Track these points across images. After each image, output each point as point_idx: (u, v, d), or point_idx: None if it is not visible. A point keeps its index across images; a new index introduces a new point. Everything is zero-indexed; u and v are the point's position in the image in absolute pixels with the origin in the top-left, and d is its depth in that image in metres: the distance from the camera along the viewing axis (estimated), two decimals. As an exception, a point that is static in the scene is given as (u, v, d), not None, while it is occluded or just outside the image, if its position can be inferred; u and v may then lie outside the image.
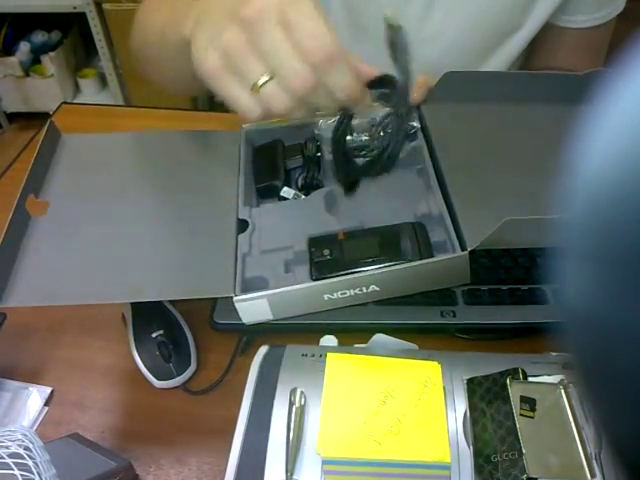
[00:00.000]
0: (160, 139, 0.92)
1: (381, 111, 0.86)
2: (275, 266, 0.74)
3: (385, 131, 0.85)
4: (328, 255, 0.73)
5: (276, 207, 0.82)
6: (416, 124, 0.85)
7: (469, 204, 0.73)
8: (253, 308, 0.69)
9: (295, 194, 0.83)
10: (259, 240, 0.76)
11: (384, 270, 0.69)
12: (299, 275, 0.73)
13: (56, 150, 0.87)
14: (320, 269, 0.72)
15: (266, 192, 0.84)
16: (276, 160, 0.86)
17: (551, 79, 0.88)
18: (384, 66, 0.89)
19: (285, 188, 0.83)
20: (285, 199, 0.83)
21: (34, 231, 0.75)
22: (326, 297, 0.69)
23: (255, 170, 0.86)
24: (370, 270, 0.69)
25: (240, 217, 0.79)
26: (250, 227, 0.77)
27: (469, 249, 0.68)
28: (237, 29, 0.57)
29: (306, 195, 0.82)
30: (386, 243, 0.72)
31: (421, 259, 0.69)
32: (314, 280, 0.71)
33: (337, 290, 0.69)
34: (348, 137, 0.84)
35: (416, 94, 0.86)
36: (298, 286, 0.69)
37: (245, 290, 0.70)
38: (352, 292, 0.69)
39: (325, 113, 0.75)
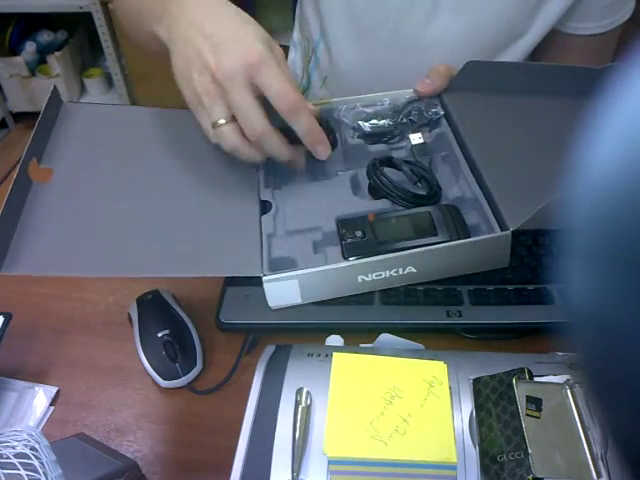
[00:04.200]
0: (170, 116, 0.89)
1: (403, 98, 0.86)
2: (303, 247, 0.72)
3: (407, 118, 0.85)
4: (360, 236, 0.71)
5: (300, 189, 0.80)
6: (440, 111, 0.85)
7: (505, 186, 0.72)
8: (282, 290, 0.68)
9: None
10: (284, 221, 0.75)
11: (423, 250, 0.67)
12: (330, 256, 0.71)
13: (58, 118, 0.84)
14: (353, 249, 0.70)
15: None
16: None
17: (570, 71, 0.88)
18: (388, 70, 0.89)
19: None
20: None
21: (38, 198, 0.73)
22: (360, 279, 0.68)
23: None
24: (408, 250, 0.68)
25: (262, 199, 0.77)
26: (273, 208, 0.76)
27: (512, 229, 0.67)
28: (208, 80, 0.69)
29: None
30: (420, 224, 0.71)
31: (458, 239, 0.69)
32: (347, 260, 0.69)
33: (372, 271, 0.68)
34: (369, 123, 0.83)
35: (438, 82, 0.86)
36: (331, 266, 0.67)
37: (273, 270, 0.68)
38: (387, 274, 0.68)
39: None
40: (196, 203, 0.77)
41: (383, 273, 0.68)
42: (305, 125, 0.72)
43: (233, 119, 0.70)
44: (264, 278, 0.67)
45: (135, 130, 0.87)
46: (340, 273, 0.68)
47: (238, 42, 0.69)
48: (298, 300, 0.69)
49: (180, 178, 0.80)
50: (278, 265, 0.70)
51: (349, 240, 0.71)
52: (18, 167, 0.72)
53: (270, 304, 0.69)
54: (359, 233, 0.71)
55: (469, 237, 0.69)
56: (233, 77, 0.67)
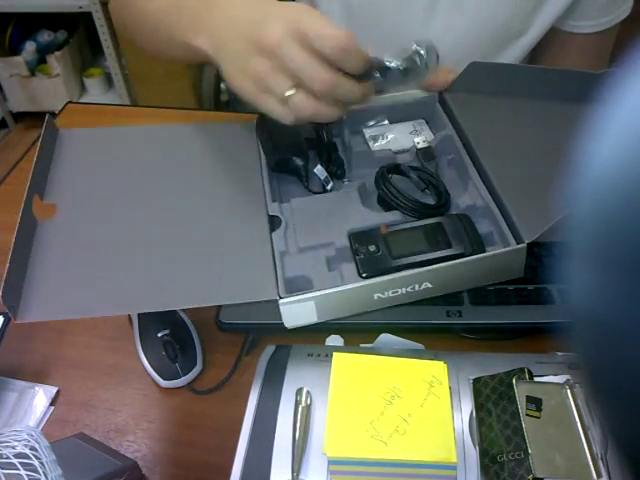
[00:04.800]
0: (165, 132, 0.89)
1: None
2: (317, 264, 0.70)
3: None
4: (374, 251, 0.70)
5: (308, 202, 0.78)
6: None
7: (516, 193, 0.71)
8: (298, 311, 0.66)
9: (327, 177, 0.79)
10: (295, 237, 0.73)
11: (439, 266, 0.66)
12: (345, 273, 0.70)
13: (56, 147, 0.83)
14: (368, 266, 0.69)
15: (283, 167, 0.81)
16: (296, 136, 0.82)
17: (573, 76, 0.87)
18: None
19: (318, 166, 0.79)
20: (315, 176, 0.79)
21: (44, 237, 0.71)
22: (376, 296, 0.67)
23: (270, 141, 0.83)
24: (423, 266, 0.67)
25: (270, 214, 0.76)
26: (283, 224, 0.74)
27: (527, 241, 0.66)
28: (262, 58, 0.67)
29: (331, 177, 0.80)
30: (433, 236, 0.70)
31: (473, 252, 0.68)
32: (363, 277, 0.68)
33: (388, 289, 0.66)
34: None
35: (441, 79, 0.86)
36: (347, 286, 0.66)
37: (288, 291, 0.67)
38: (404, 290, 0.67)
39: (355, 106, 0.74)
40: (204, 226, 0.75)
41: (399, 290, 0.67)
42: (363, 60, 0.69)
43: (300, 86, 0.68)
44: (280, 301, 0.65)
45: (133, 151, 0.86)
46: (356, 292, 0.67)
47: (279, 9, 0.69)
48: (314, 319, 0.68)
49: (184, 199, 0.79)
50: (293, 285, 0.68)
51: (363, 256, 0.70)
52: (22, 207, 0.70)
53: (286, 325, 0.68)
54: (372, 248, 0.70)
55: (483, 247, 0.69)
56: (282, 41, 0.66)
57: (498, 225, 0.70)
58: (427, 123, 0.87)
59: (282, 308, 0.65)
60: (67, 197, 0.77)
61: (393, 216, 0.75)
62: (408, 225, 0.73)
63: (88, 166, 0.82)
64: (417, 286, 0.67)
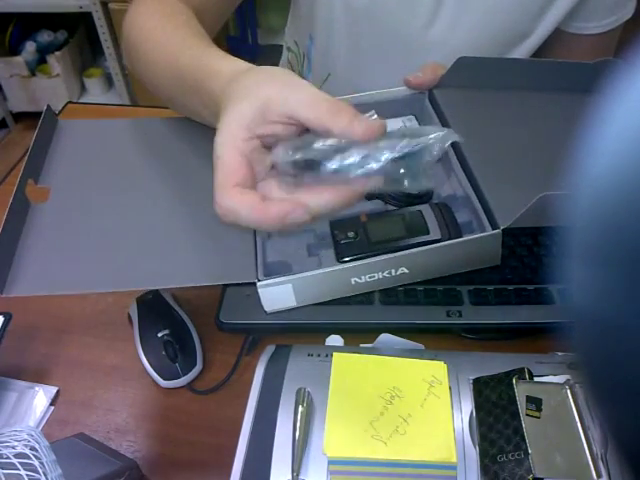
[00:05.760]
0: (161, 124, 0.90)
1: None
2: (297, 250, 0.72)
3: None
4: (353, 237, 0.71)
5: None
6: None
7: (496, 183, 0.71)
8: (276, 294, 0.68)
9: None
10: None
11: (415, 251, 0.67)
12: (324, 258, 0.71)
13: (54, 136, 0.85)
14: (346, 250, 0.70)
15: None
16: None
17: (563, 67, 0.88)
18: (387, 74, 0.88)
19: None
20: None
21: (35, 218, 0.73)
22: (353, 281, 0.68)
23: None
24: (400, 251, 0.67)
25: None
26: None
27: (502, 227, 0.67)
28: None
29: None
30: (412, 224, 0.71)
31: (450, 239, 0.69)
32: (341, 262, 0.69)
33: (365, 273, 0.67)
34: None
35: (429, 76, 0.85)
36: (324, 269, 0.67)
37: (268, 275, 0.68)
38: (380, 275, 0.68)
39: None
40: (192, 212, 0.77)
41: (376, 275, 0.68)
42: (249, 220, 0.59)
43: None
44: (258, 284, 0.66)
45: (129, 142, 0.87)
46: (333, 276, 0.68)
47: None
48: (293, 303, 0.69)
49: (174, 187, 0.80)
50: (273, 269, 0.70)
51: (342, 241, 0.71)
52: (15, 189, 0.72)
53: (266, 308, 0.69)
54: (352, 234, 0.71)
55: (460, 235, 0.69)
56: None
57: (476, 213, 0.71)
58: (416, 119, 0.87)
59: (260, 291, 0.67)
60: (61, 182, 0.79)
61: (375, 205, 0.75)
62: (388, 213, 0.74)
63: (85, 154, 0.84)
64: (393, 271, 0.68)
